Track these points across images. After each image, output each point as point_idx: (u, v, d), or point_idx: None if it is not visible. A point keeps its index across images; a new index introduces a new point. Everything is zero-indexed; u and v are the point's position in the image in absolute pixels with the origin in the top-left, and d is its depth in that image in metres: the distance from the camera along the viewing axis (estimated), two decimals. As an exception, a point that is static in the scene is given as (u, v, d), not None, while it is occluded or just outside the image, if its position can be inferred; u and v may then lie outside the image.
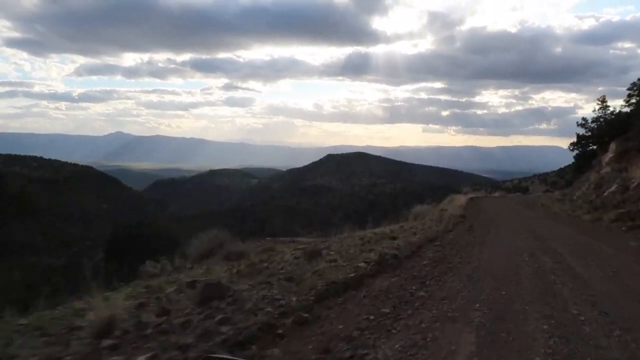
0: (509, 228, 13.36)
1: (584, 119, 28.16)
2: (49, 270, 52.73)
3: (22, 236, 64.61)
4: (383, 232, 11.65)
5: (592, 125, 27.25)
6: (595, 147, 26.92)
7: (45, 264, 54.69)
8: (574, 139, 29.21)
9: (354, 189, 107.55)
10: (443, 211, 17.59)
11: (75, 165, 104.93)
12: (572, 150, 30.05)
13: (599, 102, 27.05)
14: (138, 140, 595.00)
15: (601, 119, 26.38)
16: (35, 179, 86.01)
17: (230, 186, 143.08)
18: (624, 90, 26.17)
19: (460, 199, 23.69)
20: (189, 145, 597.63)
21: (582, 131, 28.26)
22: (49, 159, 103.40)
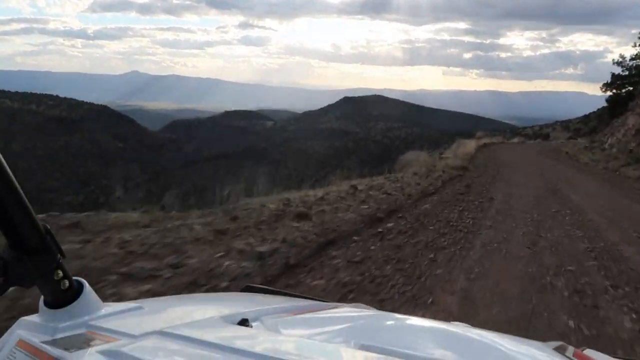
0: (525, 191, 9.36)
1: (621, 56, 26.08)
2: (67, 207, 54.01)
3: (39, 176, 65.73)
4: (323, 194, 7.88)
5: (631, 63, 25.23)
6: (633, 88, 25.02)
7: (63, 202, 55.82)
8: (606, 81, 27.36)
9: (370, 133, 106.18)
10: (442, 160, 14.59)
11: (91, 104, 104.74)
12: (605, 91, 28.00)
13: None
14: (154, 80, 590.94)
15: None
16: (51, 117, 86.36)
17: (246, 128, 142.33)
18: None
19: (470, 145, 20.99)
20: (204, 86, 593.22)
21: (617, 70, 26.25)
22: (65, 98, 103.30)
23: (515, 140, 36.17)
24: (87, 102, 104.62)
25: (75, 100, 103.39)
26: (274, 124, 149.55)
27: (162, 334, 0.75)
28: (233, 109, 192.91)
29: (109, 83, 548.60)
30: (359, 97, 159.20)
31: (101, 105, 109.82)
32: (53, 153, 77.84)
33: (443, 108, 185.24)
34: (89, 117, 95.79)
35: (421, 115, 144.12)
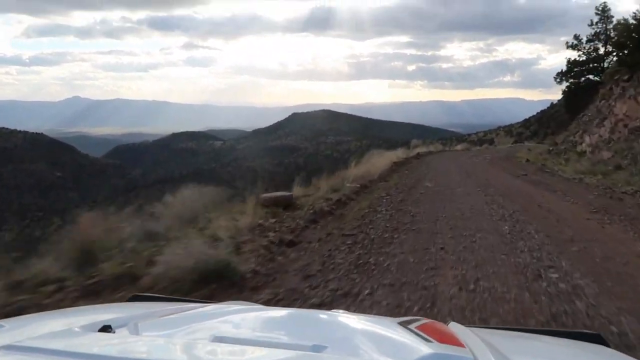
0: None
1: (576, 37, 22.13)
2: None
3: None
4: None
5: (590, 45, 21.62)
6: (595, 75, 20.98)
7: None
8: (560, 71, 22.92)
9: (319, 148, 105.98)
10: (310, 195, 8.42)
11: (25, 132, 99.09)
12: (560, 82, 23.97)
13: (598, 12, 21.35)
14: (97, 105, 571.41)
15: (607, 32, 20.28)
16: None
17: (194, 149, 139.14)
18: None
19: (385, 160, 14.23)
20: (151, 108, 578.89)
21: (573, 55, 22.24)
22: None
23: (459, 147, 32.16)
24: (20, 131, 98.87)
25: (6, 129, 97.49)
26: (223, 143, 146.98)
27: (8, 348, 0.73)
28: (181, 130, 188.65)
29: (49, 110, 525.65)
30: (306, 112, 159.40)
31: (36, 133, 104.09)
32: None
33: (391, 119, 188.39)
34: (23, 146, 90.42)
35: (370, 127, 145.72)
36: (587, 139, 13.94)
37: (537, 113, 73.55)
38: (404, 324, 1.07)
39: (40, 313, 1.38)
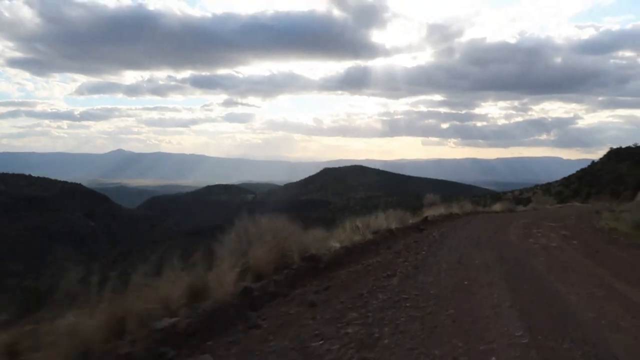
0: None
1: None
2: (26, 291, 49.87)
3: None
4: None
5: None
6: None
7: (21, 286, 51.72)
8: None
9: (349, 203, 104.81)
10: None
11: (64, 183, 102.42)
12: None
13: None
14: (138, 157, 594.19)
15: None
16: (20, 197, 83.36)
17: (227, 201, 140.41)
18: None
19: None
20: (189, 161, 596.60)
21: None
22: (38, 177, 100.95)
23: (498, 207, 23.42)
24: (60, 181, 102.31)
25: (48, 179, 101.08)
26: (255, 196, 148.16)
27: None
28: (217, 183, 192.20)
29: (94, 162, 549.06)
30: (338, 167, 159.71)
31: (75, 183, 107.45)
32: (18, 234, 74.14)
33: (424, 176, 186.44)
34: (60, 196, 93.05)
35: (401, 183, 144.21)
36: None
37: (577, 172, 70.87)
38: None
39: None
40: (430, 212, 14.79)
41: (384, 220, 10.39)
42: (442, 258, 7.68)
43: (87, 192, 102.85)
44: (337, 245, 7.51)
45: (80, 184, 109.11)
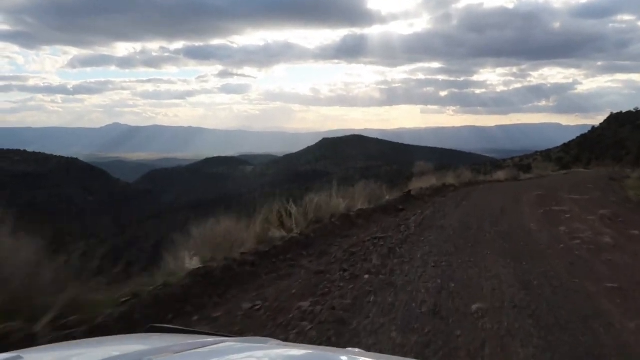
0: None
1: None
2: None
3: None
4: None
5: None
6: None
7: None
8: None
9: (348, 172, 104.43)
10: None
11: (60, 158, 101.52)
12: None
13: None
14: (135, 131, 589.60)
15: None
16: (16, 173, 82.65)
17: (225, 174, 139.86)
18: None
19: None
20: (186, 134, 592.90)
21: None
22: (33, 152, 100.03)
23: (501, 175, 20.90)
24: (55, 156, 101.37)
25: (43, 154, 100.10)
26: (254, 168, 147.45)
27: None
28: (214, 155, 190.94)
29: (90, 136, 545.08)
30: (337, 138, 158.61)
31: (71, 158, 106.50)
32: (15, 210, 73.77)
33: (423, 145, 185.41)
34: (57, 171, 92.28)
35: (400, 152, 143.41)
36: None
37: (577, 137, 70.16)
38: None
39: (58, 344, 1.40)
40: (418, 184, 12.15)
41: (348, 198, 7.49)
42: (405, 291, 4.08)
43: (84, 167, 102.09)
44: (193, 266, 4.31)
45: (76, 159, 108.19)
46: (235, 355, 1.00)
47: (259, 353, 1.06)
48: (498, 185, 16.62)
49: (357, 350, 1.19)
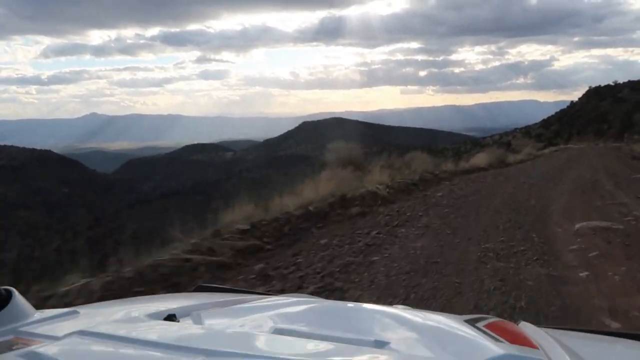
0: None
1: None
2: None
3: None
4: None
5: None
6: None
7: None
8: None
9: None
10: None
11: (33, 150, 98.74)
12: None
13: None
14: (113, 120, 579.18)
15: None
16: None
17: (204, 161, 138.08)
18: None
19: None
20: (165, 122, 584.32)
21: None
22: (4, 145, 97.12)
23: (483, 159, 17.89)
24: (28, 149, 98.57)
25: (14, 147, 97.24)
26: (234, 154, 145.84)
27: (81, 333, 0.77)
28: (195, 142, 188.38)
29: (67, 127, 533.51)
30: (317, 121, 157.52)
31: (44, 150, 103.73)
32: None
33: (404, 125, 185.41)
34: (30, 163, 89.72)
35: (381, 134, 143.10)
36: None
37: (556, 113, 70.36)
38: (471, 322, 1.00)
39: (112, 301, 1.50)
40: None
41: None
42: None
43: (58, 159, 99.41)
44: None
45: (50, 150, 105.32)
46: (281, 310, 1.03)
47: (304, 308, 1.08)
48: (480, 182, 11.73)
49: (403, 307, 1.19)
